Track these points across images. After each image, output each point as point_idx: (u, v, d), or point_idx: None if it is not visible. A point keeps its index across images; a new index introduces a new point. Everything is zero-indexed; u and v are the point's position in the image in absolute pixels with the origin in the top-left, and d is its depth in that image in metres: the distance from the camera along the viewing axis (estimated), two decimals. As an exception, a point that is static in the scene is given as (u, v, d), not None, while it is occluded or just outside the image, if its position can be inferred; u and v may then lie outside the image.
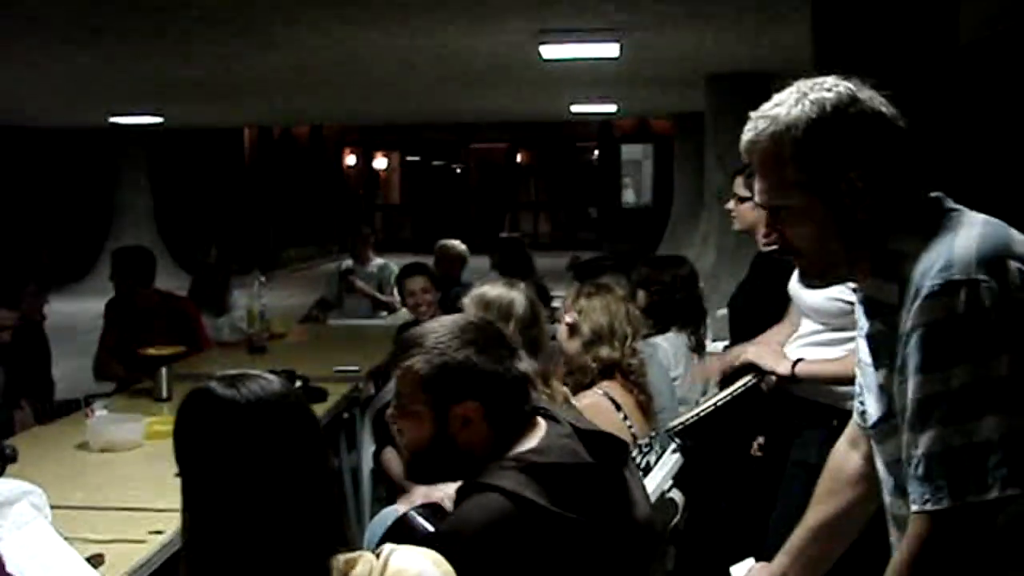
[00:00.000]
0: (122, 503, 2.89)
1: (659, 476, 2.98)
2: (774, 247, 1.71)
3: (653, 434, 3.22)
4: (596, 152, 24.58)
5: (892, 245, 1.58)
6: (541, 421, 2.06)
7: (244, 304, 6.21)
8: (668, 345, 4.23)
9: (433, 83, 10.23)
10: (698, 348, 4.45)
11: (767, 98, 1.69)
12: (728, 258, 8.94)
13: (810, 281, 1.73)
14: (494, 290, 3.14)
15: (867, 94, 1.62)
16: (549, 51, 7.32)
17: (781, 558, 2.12)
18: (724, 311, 4.88)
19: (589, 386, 3.32)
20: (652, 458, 3.10)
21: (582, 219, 24.35)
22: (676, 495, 2.98)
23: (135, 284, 5.44)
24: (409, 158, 27.31)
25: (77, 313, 11.52)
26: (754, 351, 3.09)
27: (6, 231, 7.77)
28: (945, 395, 1.44)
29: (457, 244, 7.44)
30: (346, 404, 4.71)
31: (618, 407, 3.24)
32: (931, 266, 1.49)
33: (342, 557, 1.57)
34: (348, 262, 8.29)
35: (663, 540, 2.67)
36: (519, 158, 26.46)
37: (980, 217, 1.59)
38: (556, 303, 5.32)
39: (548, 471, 1.92)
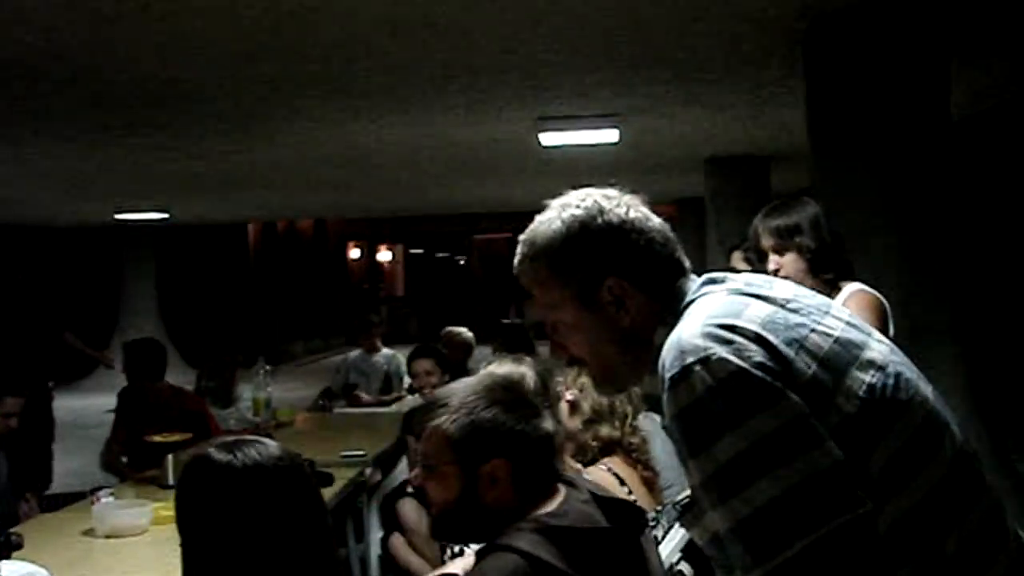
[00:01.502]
0: (128, 585, 2.89)
1: (667, 549, 2.95)
2: (565, 358, 1.80)
3: (659, 508, 3.20)
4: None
5: (656, 340, 1.62)
6: (560, 487, 2.06)
7: (250, 396, 6.24)
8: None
9: (434, 173, 10.34)
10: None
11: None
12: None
13: (602, 388, 1.85)
14: (502, 368, 3.14)
15: (615, 203, 1.69)
16: (548, 138, 7.40)
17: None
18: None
19: (591, 463, 3.31)
20: (659, 532, 3.08)
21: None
22: (685, 568, 2.95)
23: (146, 377, 5.49)
24: (412, 250, 27.50)
25: (84, 408, 11.54)
26: None
27: (14, 325, 7.86)
28: (718, 472, 1.45)
29: (463, 331, 7.46)
30: (352, 488, 4.69)
31: (622, 482, 3.22)
32: (666, 355, 1.53)
33: None
34: (355, 353, 8.31)
35: None
36: (522, 248, 26.63)
37: (721, 292, 1.62)
38: (558, 382, 5.33)
39: (564, 534, 1.92)
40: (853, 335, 1.57)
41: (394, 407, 7.29)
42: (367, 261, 26.76)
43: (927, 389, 1.58)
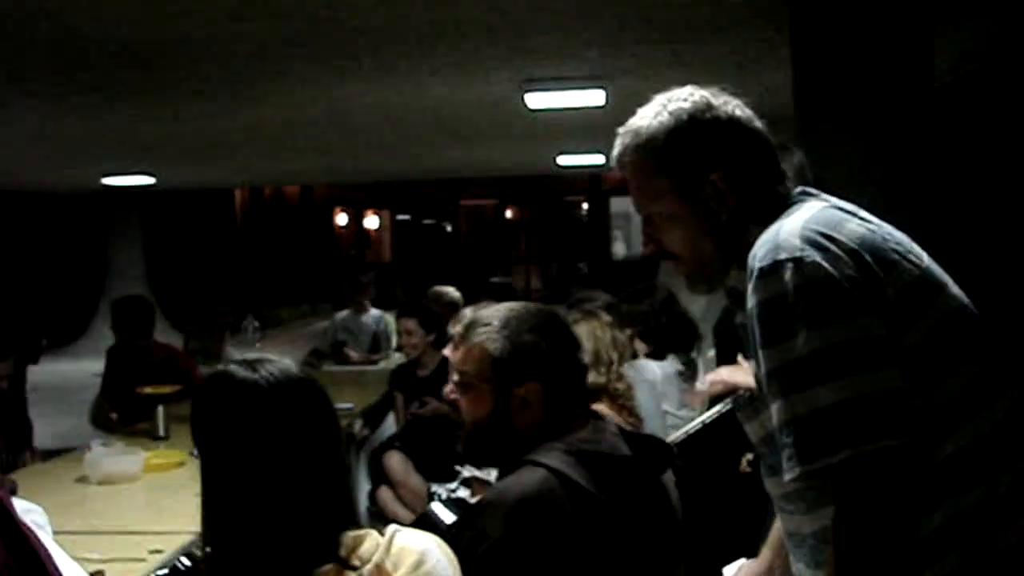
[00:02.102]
0: (121, 527, 2.94)
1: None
2: (653, 254, 1.80)
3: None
4: (585, 206, 24.73)
5: (748, 237, 1.66)
6: (589, 419, 2.11)
7: (239, 354, 6.28)
8: (659, 371, 4.29)
9: (421, 137, 10.34)
10: (690, 368, 4.49)
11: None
12: (718, 299, 9.00)
13: (694, 286, 1.81)
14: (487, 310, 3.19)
15: (722, 100, 1.73)
16: (534, 100, 7.41)
17: (765, 552, 2.19)
18: (713, 352, 4.95)
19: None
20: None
21: (573, 273, 24.43)
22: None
23: (135, 334, 5.53)
24: (399, 217, 27.45)
25: (71, 372, 11.53)
26: (727, 371, 3.15)
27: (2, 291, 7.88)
28: (786, 366, 1.50)
29: (451, 291, 7.48)
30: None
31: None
32: (761, 248, 1.58)
33: (350, 534, 1.63)
34: (344, 313, 8.36)
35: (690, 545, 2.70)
36: (508, 214, 26.61)
37: (820, 203, 1.68)
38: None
39: (595, 459, 1.96)
40: (936, 271, 1.63)
41: (382, 365, 7.35)
42: (354, 227, 26.70)
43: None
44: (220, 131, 9.26)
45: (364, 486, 5.47)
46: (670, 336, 4.36)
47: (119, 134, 9.30)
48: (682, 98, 1.73)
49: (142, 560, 2.64)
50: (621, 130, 1.77)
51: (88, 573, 2.40)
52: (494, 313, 2.09)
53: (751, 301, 1.56)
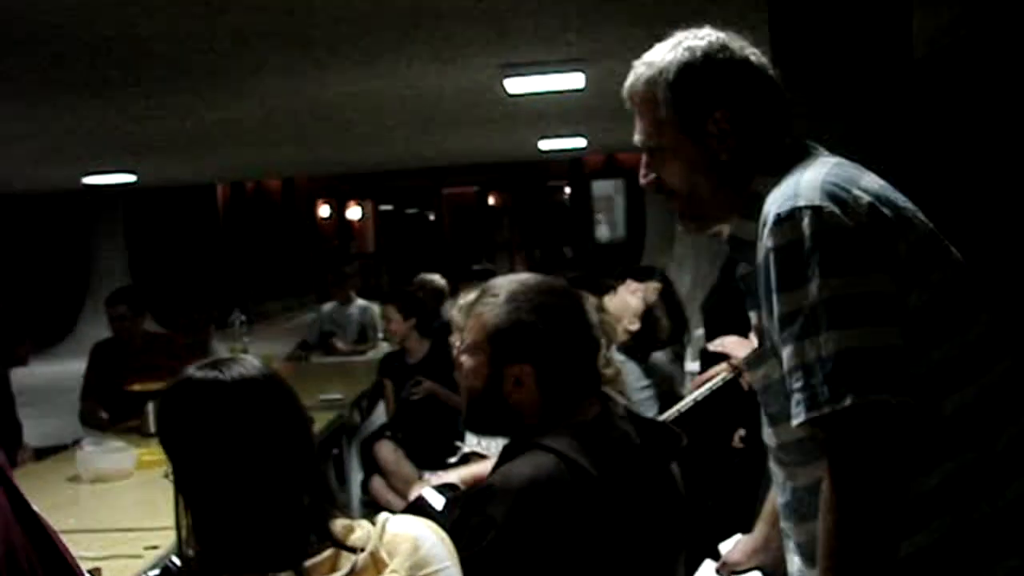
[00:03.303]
0: (116, 525, 2.93)
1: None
2: (652, 188, 1.81)
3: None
4: (567, 190, 24.74)
5: (754, 187, 1.68)
6: (596, 400, 2.06)
7: (226, 350, 6.27)
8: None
9: (401, 126, 10.32)
10: (678, 361, 4.51)
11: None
12: (703, 281, 9.04)
13: (687, 223, 1.83)
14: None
15: (738, 44, 1.75)
16: (514, 85, 7.40)
17: (761, 526, 2.20)
18: (701, 331, 4.97)
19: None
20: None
21: (558, 258, 24.45)
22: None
23: (129, 312, 5.52)
24: (382, 207, 27.42)
25: (58, 373, 11.51)
26: (732, 340, 3.16)
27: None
28: (799, 312, 1.52)
29: (436, 278, 7.48)
30: (332, 431, 4.76)
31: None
32: (779, 196, 1.59)
33: (340, 523, 1.63)
34: (329, 305, 8.35)
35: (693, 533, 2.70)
36: (491, 200, 26.59)
37: (835, 158, 1.70)
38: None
39: (603, 444, 1.93)
40: (939, 234, 1.64)
41: (369, 355, 7.35)
42: (337, 219, 26.66)
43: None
44: (200, 126, 9.23)
45: (357, 476, 5.47)
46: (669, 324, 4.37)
47: (98, 132, 9.26)
48: (699, 36, 1.75)
49: (138, 557, 2.64)
50: (636, 62, 1.79)
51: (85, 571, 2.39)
52: (505, 284, 2.05)
53: (767, 245, 1.57)
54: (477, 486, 2.06)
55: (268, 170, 18.41)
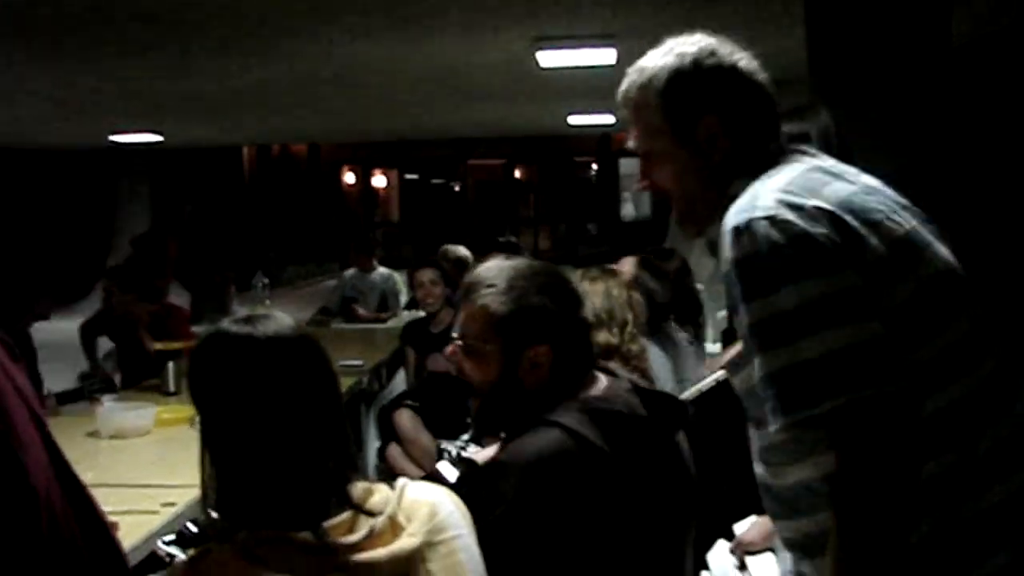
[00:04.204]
0: (134, 481, 2.95)
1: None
2: (646, 190, 1.85)
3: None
4: (594, 167, 24.65)
5: (732, 190, 1.68)
6: (601, 376, 2.09)
7: (248, 309, 6.28)
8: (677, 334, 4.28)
9: (430, 95, 10.29)
10: (697, 343, 4.49)
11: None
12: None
13: (685, 227, 1.84)
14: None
15: (728, 49, 1.77)
16: (546, 59, 7.38)
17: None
18: (724, 312, 4.94)
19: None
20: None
21: (582, 234, 24.40)
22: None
23: (116, 289, 5.54)
24: (408, 176, 27.41)
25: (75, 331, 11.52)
26: None
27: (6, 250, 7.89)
28: (766, 320, 1.52)
29: (460, 249, 7.46)
30: (350, 397, 4.76)
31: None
32: (738, 208, 1.60)
33: (359, 486, 1.63)
34: (352, 271, 8.36)
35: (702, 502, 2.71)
36: (517, 174, 26.54)
37: (804, 164, 1.69)
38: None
39: (610, 417, 1.94)
40: (923, 233, 1.63)
41: (391, 323, 7.36)
42: (362, 186, 26.67)
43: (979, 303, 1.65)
44: (229, 89, 9.23)
45: (374, 443, 5.48)
46: (682, 306, 4.34)
47: (127, 91, 9.27)
48: (690, 42, 1.78)
49: (155, 513, 2.65)
50: (629, 69, 1.82)
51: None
52: (498, 273, 2.03)
53: (727, 259, 1.58)
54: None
55: (295, 135, 18.41)
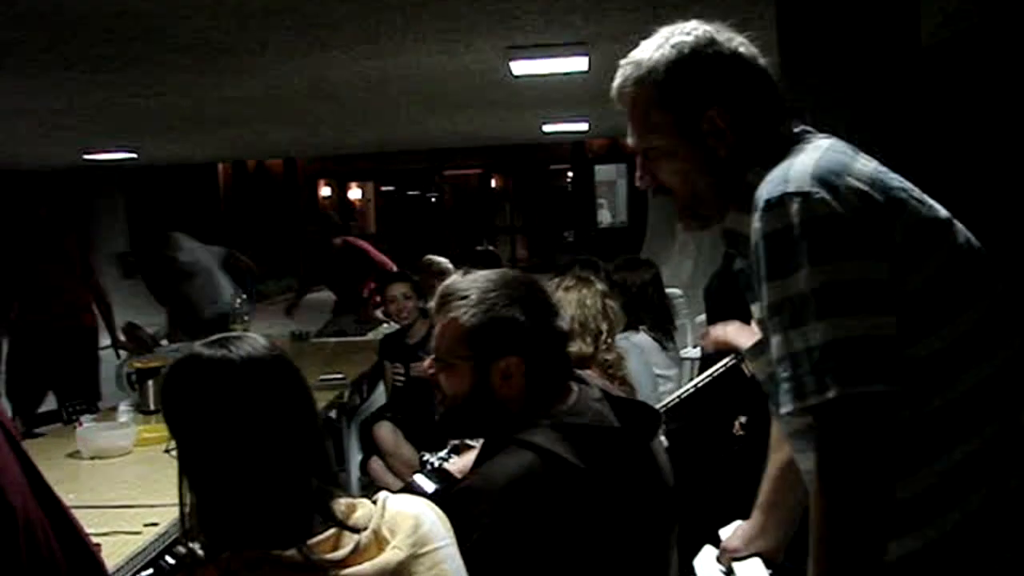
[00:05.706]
0: (115, 501, 2.93)
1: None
2: (648, 188, 1.77)
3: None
4: (570, 174, 24.68)
5: (749, 178, 1.64)
6: (573, 385, 2.06)
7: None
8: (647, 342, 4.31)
9: (405, 107, 10.29)
10: (672, 346, 4.53)
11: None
12: (705, 266, 9.04)
13: (688, 222, 1.78)
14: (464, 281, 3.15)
15: (726, 36, 1.70)
16: (519, 67, 7.39)
17: (756, 514, 2.19)
18: (703, 317, 4.97)
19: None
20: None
21: (559, 241, 24.41)
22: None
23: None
24: (384, 188, 27.37)
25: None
26: (734, 328, 3.15)
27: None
28: (787, 300, 1.49)
29: (441, 260, 7.46)
30: (331, 410, 4.75)
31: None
32: (770, 182, 1.55)
33: (342, 502, 1.63)
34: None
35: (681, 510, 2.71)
36: (493, 183, 26.54)
37: (828, 142, 1.65)
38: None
39: (581, 432, 1.92)
40: (941, 213, 1.61)
41: (369, 335, 7.35)
42: (338, 199, 26.61)
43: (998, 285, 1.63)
44: (202, 104, 9.20)
45: (356, 456, 5.47)
46: (648, 312, 4.37)
47: (100, 109, 9.22)
48: (686, 31, 1.70)
49: (138, 533, 2.63)
50: (623, 61, 1.74)
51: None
52: (471, 285, 2.01)
53: (756, 234, 1.53)
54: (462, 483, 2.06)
55: (270, 150, 18.36)
